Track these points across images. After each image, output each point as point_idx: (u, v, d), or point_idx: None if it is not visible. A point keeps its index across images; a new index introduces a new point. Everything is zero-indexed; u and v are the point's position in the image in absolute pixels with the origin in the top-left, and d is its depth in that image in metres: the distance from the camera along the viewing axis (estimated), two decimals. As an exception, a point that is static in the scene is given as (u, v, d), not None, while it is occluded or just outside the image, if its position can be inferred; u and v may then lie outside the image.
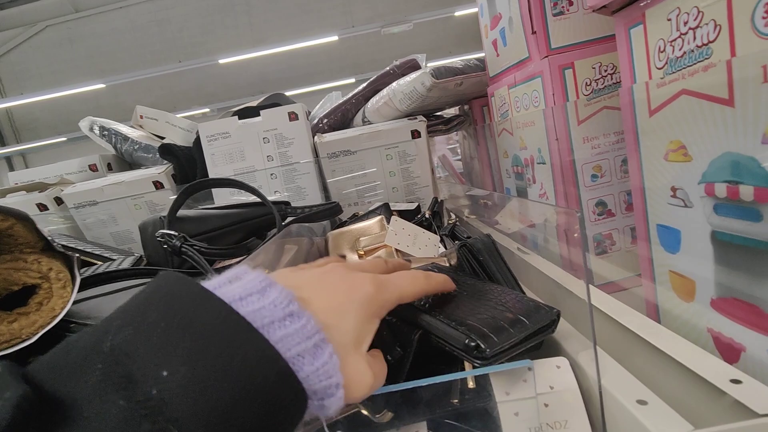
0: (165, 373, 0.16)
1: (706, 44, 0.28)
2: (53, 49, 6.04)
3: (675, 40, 0.31)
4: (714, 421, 0.27)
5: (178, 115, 1.11)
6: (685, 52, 0.30)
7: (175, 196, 0.53)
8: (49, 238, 0.39)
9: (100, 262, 0.69)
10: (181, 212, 0.55)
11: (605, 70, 0.56)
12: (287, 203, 0.64)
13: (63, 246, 0.40)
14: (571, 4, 0.59)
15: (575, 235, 0.35)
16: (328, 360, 0.21)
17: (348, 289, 0.26)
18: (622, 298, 0.44)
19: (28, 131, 6.27)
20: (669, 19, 0.31)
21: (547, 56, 0.57)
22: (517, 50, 0.65)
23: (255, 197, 0.61)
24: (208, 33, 5.71)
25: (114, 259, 0.69)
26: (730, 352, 0.33)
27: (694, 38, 0.29)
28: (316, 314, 0.22)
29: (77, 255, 0.40)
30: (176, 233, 0.48)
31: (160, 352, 0.17)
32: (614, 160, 0.58)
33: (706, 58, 0.29)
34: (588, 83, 0.57)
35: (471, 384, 0.34)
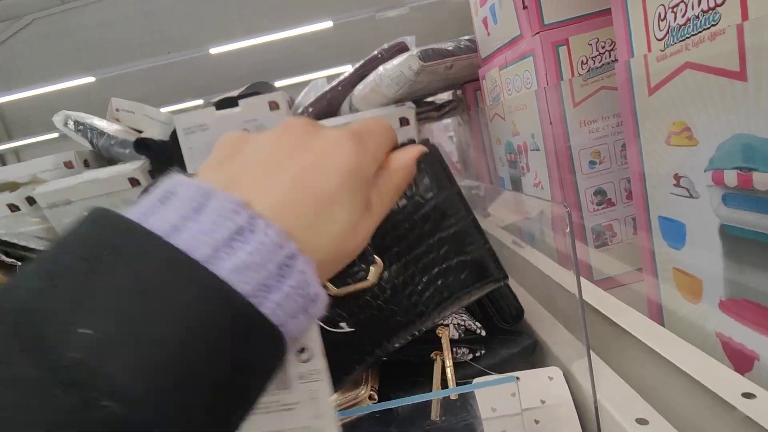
0: (86, 331, 0.13)
1: (713, 8, 0.24)
2: (41, 43, 5.94)
3: (677, 5, 0.27)
4: (725, 442, 0.24)
5: (170, 109, 1.06)
6: (688, 19, 0.26)
7: (142, 190, 0.49)
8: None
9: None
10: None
11: (603, 47, 0.52)
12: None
13: (6, 252, 0.37)
14: (564, -25, 0.54)
15: (567, 230, 0.31)
16: (300, 276, 0.17)
17: (320, 163, 0.19)
18: (623, 294, 0.40)
19: (21, 128, 6.19)
20: (672, -19, 0.27)
21: (539, 32, 0.52)
22: (507, 28, 0.61)
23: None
24: (197, 23, 5.60)
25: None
26: (741, 360, 0.29)
27: (699, 2, 0.25)
28: (277, 214, 0.17)
29: (19, 264, 0.37)
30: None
31: (77, 306, 0.14)
32: (614, 144, 0.54)
33: (713, 25, 0.25)
34: (584, 61, 0.52)
35: (453, 397, 0.30)
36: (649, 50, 0.30)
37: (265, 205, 0.18)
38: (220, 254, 0.16)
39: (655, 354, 0.31)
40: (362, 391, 0.32)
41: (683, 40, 0.26)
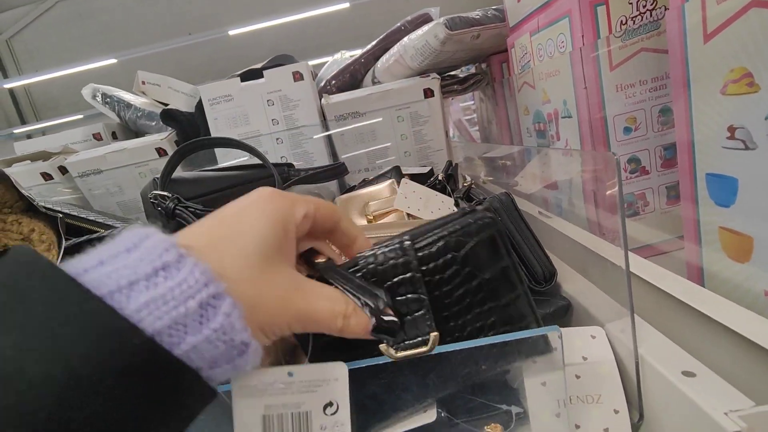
0: None
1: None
2: (65, 25, 6.03)
3: (746, -63, 0.25)
4: (777, 396, 0.23)
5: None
6: (758, -47, 0.24)
7: (168, 158, 0.50)
8: (29, 197, 0.37)
9: (103, 230, 0.67)
10: (177, 174, 0.52)
11: (644, 6, 0.49)
12: (290, 165, 0.60)
13: (45, 207, 0.38)
14: (605, -69, 0.51)
15: (609, 186, 0.30)
16: (225, 320, 0.16)
17: (243, 207, 0.21)
18: (659, 263, 0.39)
19: (48, 109, 6.34)
20: None
21: (576, -9, 0.50)
22: (541, -10, 0.58)
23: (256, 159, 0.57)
24: (217, 4, 5.59)
25: (117, 227, 0.67)
26: (793, 319, 0.28)
27: (773, -69, 0.23)
28: (205, 256, 0.17)
29: (60, 216, 0.38)
30: (169, 195, 0.45)
31: None
32: (651, 110, 0.52)
33: (788, -43, 0.23)
34: (623, 22, 0.50)
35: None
36: (707, -8, 0.28)
37: (200, 245, 0.18)
38: (137, 288, 0.15)
39: (699, 314, 0.30)
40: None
41: (749, -25, 0.25)
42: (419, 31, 0.82)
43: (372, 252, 0.24)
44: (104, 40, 5.83)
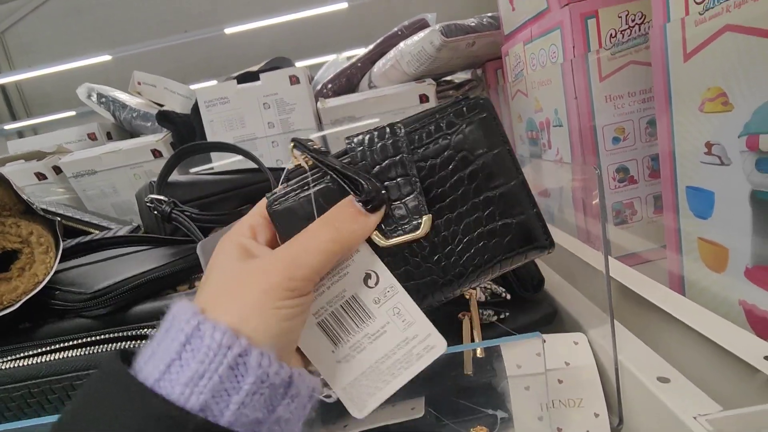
0: None
1: (761, -33, 0.24)
2: (60, 20, 5.97)
3: (723, -36, 0.26)
4: (744, 401, 0.24)
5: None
6: (734, -21, 0.26)
7: (166, 161, 0.50)
8: (28, 200, 0.37)
9: (97, 232, 0.67)
10: (173, 178, 0.53)
11: (633, 20, 0.51)
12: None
13: (43, 210, 0.38)
14: (596, -55, 0.53)
15: (594, 196, 0.31)
16: (257, 370, 0.17)
17: (210, 264, 0.22)
18: (642, 270, 0.40)
19: (40, 106, 6.27)
20: (716, -60, 0.26)
21: (567, 4, 0.51)
22: (534, 1, 0.60)
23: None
24: (216, 1, 5.57)
25: (111, 229, 0.68)
26: (765, 327, 0.30)
27: (747, -40, 0.24)
28: (218, 313, 0.18)
29: (59, 219, 0.38)
30: (166, 198, 0.46)
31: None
32: (639, 121, 0.53)
33: (761, -15, 0.24)
34: (613, 35, 0.51)
35: (479, 354, 0.31)
36: (687, 14, 0.30)
37: (214, 306, 0.19)
38: (174, 369, 0.17)
39: (677, 321, 0.32)
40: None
41: (724, 1, 0.26)
42: (415, 37, 0.83)
43: (361, 135, 0.24)
44: (99, 36, 5.78)
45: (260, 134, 0.86)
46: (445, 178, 0.23)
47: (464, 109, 0.24)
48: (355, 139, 0.24)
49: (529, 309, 0.38)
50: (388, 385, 0.23)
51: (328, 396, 0.22)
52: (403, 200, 0.23)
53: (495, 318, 0.36)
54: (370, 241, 0.23)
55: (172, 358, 0.17)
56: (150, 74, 1.07)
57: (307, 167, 0.23)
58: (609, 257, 0.49)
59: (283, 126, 0.86)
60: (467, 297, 0.34)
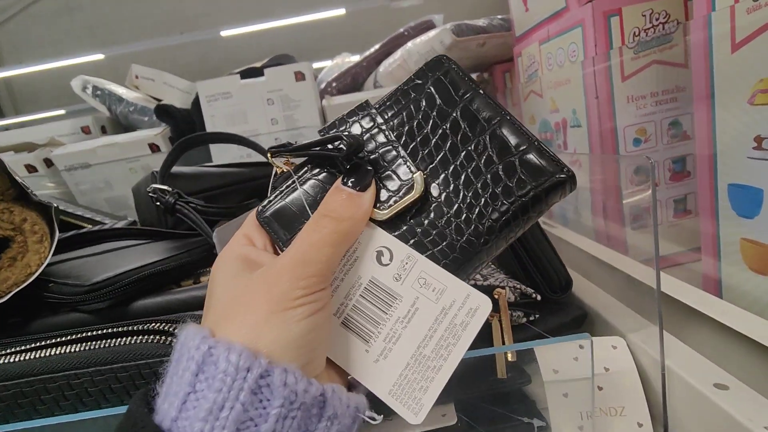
0: None
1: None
2: (52, 18, 5.90)
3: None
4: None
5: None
6: (797, -38, 0.24)
7: (169, 151, 0.48)
8: (23, 183, 0.34)
9: (90, 226, 0.64)
10: (176, 169, 0.50)
11: (657, 19, 0.50)
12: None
13: (37, 197, 0.35)
14: (618, -57, 0.52)
15: (643, 189, 0.30)
16: (284, 391, 0.15)
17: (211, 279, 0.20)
18: (670, 273, 0.39)
19: (29, 103, 6.17)
20: None
21: (590, 1, 0.50)
22: (551, 0, 0.59)
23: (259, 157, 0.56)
24: (211, 4, 5.55)
25: (105, 223, 0.64)
26: (819, 333, 0.28)
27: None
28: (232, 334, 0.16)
29: (55, 205, 0.35)
30: (170, 189, 0.43)
31: None
32: (661, 122, 0.52)
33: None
34: (636, 33, 0.50)
35: (510, 357, 0.29)
36: (737, 1, 0.28)
37: (224, 326, 0.17)
38: (190, 403, 0.15)
39: (720, 326, 0.30)
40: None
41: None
42: (424, 37, 0.82)
43: (335, 119, 0.24)
44: (92, 35, 5.72)
45: (263, 131, 0.84)
46: (427, 137, 0.23)
47: (425, 70, 0.24)
48: (329, 123, 0.24)
49: (559, 311, 0.36)
50: (439, 372, 0.20)
51: (373, 418, 0.19)
52: (390, 169, 0.22)
53: (525, 320, 0.34)
54: (371, 219, 0.21)
55: (186, 392, 0.15)
56: (148, 68, 1.04)
57: (290, 170, 0.23)
58: (632, 261, 0.47)
59: (287, 122, 0.84)
60: (496, 297, 0.32)
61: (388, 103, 0.24)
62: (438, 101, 0.23)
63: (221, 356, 0.15)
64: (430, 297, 0.20)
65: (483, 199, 0.21)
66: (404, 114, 0.23)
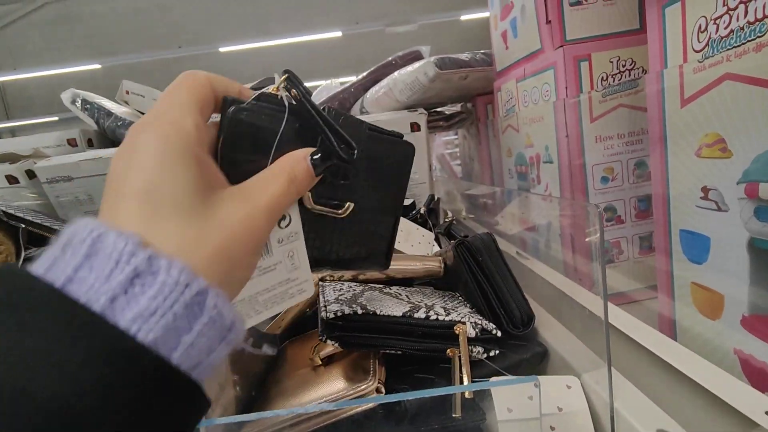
0: None
1: (760, 19, 0.24)
2: (51, 26, 5.94)
3: (721, 17, 0.27)
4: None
5: None
6: (732, 31, 0.26)
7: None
8: (-9, 204, 0.34)
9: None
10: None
11: (623, 66, 0.52)
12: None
13: (7, 215, 0.35)
14: (590, -7, 0.55)
15: (590, 234, 0.31)
16: (212, 311, 0.16)
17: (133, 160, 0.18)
18: (630, 310, 0.40)
19: (22, 108, 6.14)
20: (715, -7, 0.27)
21: (561, 46, 0.53)
22: (528, 41, 0.61)
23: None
24: (211, 21, 5.65)
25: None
26: (762, 379, 0.29)
27: (746, 13, 0.25)
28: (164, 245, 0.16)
29: (23, 226, 0.35)
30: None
31: None
32: (627, 162, 0.54)
33: (759, 36, 0.25)
34: (604, 78, 0.53)
35: (468, 395, 0.29)
36: (685, 61, 0.30)
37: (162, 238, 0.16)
38: (119, 304, 0.14)
39: (671, 368, 0.31)
40: (370, 384, 0.31)
41: (725, 51, 0.26)
42: (410, 67, 0.84)
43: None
44: (90, 45, 5.76)
45: (248, 152, 0.84)
46: (366, 185, 0.26)
47: (398, 145, 0.28)
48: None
49: (519, 347, 0.37)
50: (256, 316, 0.24)
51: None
52: (339, 182, 0.25)
53: (485, 355, 0.34)
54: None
55: (114, 293, 0.14)
56: (139, 84, 1.05)
57: (288, 98, 0.23)
58: (594, 295, 0.48)
59: (273, 145, 0.84)
60: (457, 332, 0.33)
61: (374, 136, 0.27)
62: (384, 170, 0.28)
63: (163, 269, 0.15)
64: (287, 266, 0.25)
65: (352, 245, 0.27)
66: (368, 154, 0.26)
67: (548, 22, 0.56)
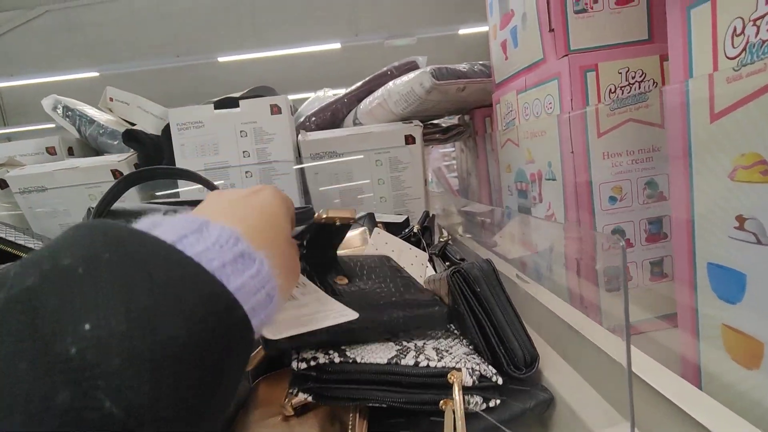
0: (87, 327, 0.13)
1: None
2: (50, 34, 5.95)
3: (763, 16, 0.23)
4: None
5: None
6: (776, 33, 0.22)
7: (111, 185, 0.43)
8: None
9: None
10: (118, 205, 0.46)
11: (633, 77, 0.49)
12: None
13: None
14: (595, 1, 0.51)
15: (596, 261, 0.26)
16: (260, 266, 0.19)
17: (255, 192, 0.26)
18: (641, 345, 0.35)
19: (18, 115, 6.11)
20: (753, -9, 0.23)
21: (566, 55, 0.49)
22: (529, 51, 0.58)
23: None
24: (211, 31, 5.67)
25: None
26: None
27: (795, 13, 0.21)
28: (264, 250, 0.20)
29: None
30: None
31: (77, 302, 0.14)
32: (637, 181, 0.50)
33: (811, 41, 0.21)
34: (612, 90, 0.49)
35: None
36: (716, 69, 0.26)
37: (249, 234, 0.20)
38: (227, 270, 0.17)
39: (700, 427, 0.26)
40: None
41: (767, 57, 0.22)
42: (405, 78, 0.80)
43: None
44: (88, 53, 5.76)
45: (234, 162, 0.80)
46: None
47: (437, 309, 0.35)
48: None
49: (521, 394, 0.32)
50: (302, 327, 0.26)
51: None
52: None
53: (484, 406, 0.29)
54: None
55: (227, 262, 0.18)
56: (123, 92, 1.01)
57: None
58: (603, 328, 0.43)
59: (260, 156, 0.80)
60: (450, 381, 0.28)
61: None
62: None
63: (216, 228, 0.19)
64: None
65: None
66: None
67: (551, 30, 0.52)
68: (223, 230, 0.18)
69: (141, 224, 0.18)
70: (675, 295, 0.33)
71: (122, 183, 0.45)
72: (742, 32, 0.24)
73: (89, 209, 0.43)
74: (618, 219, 0.51)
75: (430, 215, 0.73)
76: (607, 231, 0.51)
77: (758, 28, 0.23)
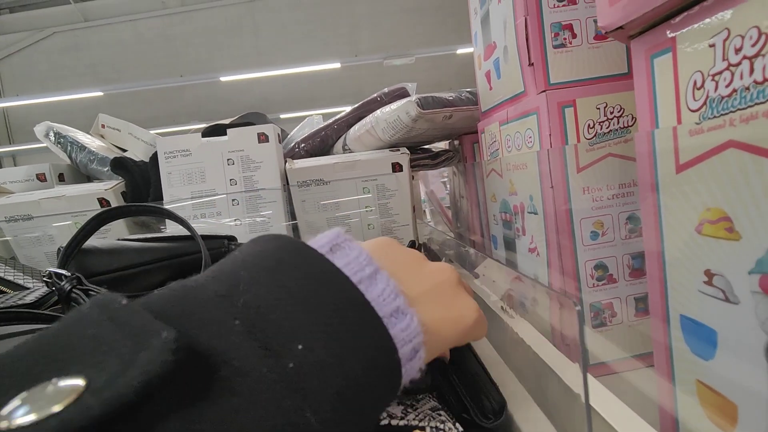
0: (300, 347, 0.16)
1: (769, 79, 0.20)
2: (58, 55, 6.08)
3: (721, 72, 0.22)
4: None
5: (177, 129, 1.01)
6: (735, 90, 0.22)
7: (82, 225, 0.43)
8: None
9: (10, 291, 0.58)
10: (90, 243, 0.45)
11: (611, 112, 0.48)
12: (232, 238, 0.54)
13: None
14: (574, 36, 0.51)
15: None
16: (410, 321, 0.20)
17: (456, 317, 0.26)
18: (622, 386, 0.34)
19: (24, 133, 6.19)
20: (712, 45, 0.23)
21: (544, 91, 0.49)
22: (511, 83, 0.58)
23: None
24: (214, 51, 5.78)
25: (28, 288, 0.58)
26: None
27: (752, 71, 0.21)
28: (419, 315, 0.21)
29: None
30: (68, 273, 0.38)
31: (295, 323, 0.17)
32: (618, 216, 0.49)
33: (768, 100, 0.20)
34: (591, 125, 0.48)
35: None
36: (679, 122, 0.26)
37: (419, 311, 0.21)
38: (392, 320, 0.20)
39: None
40: None
41: (727, 113, 0.22)
42: (392, 106, 0.81)
43: None
44: (93, 73, 5.87)
45: (221, 190, 0.80)
46: None
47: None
48: None
49: (491, 449, 0.31)
50: None
51: None
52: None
53: (447, 467, 0.28)
54: None
55: (390, 313, 0.20)
56: (115, 118, 1.02)
57: None
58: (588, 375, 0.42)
59: (246, 184, 0.80)
60: (411, 441, 0.27)
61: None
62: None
63: (383, 280, 0.21)
64: None
65: None
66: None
67: (531, 64, 0.52)
68: (389, 283, 0.20)
69: (319, 241, 0.22)
70: (653, 340, 0.32)
71: (93, 221, 0.44)
72: (702, 86, 0.24)
73: (59, 249, 0.43)
74: (600, 254, 0.50)
75: (416, 245, 0.72)
76: (590, 266, 0.50)
77: (717, 83, 0.22)
